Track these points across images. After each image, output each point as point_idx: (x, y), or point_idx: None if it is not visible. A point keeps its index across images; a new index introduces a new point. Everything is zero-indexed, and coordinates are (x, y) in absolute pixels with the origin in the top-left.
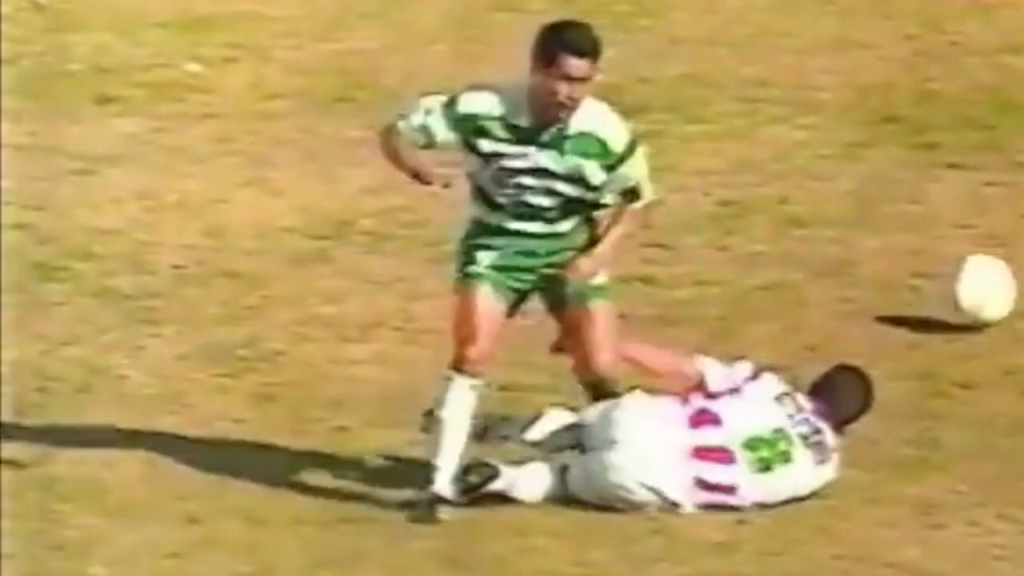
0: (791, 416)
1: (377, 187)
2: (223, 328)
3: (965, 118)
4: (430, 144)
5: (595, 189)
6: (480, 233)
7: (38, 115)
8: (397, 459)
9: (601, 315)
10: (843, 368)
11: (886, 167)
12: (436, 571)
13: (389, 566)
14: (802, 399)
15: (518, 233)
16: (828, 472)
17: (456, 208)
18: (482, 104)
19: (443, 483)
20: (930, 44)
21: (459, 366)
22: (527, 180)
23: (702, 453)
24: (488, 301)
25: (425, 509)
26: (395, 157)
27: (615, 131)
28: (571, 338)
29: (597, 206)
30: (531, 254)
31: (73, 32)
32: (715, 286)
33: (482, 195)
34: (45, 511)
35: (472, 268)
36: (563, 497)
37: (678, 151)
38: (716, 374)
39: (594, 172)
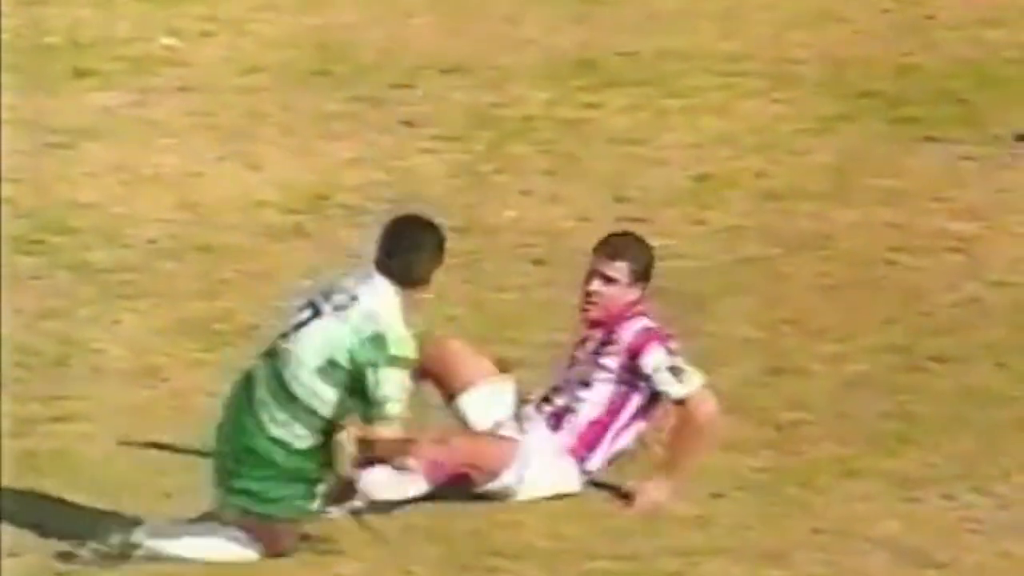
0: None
1: (354, 161)
2: (199, 302)
3: (942, 92)
4: None
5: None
6: (309, 464)
7: (15, 89)
8: None
9: None
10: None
11: (864, 141)
12: (414, 545)
13: (367, 540)
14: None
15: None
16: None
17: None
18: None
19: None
20: (907, 18)
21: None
22: None
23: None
24: None
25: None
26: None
27: None
28: None
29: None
30: None
31: (50, 5)
32: (693, 260)
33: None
34: (21, 484)
35: (311, 505)
36: None
37: (655, 125)
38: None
39: None
